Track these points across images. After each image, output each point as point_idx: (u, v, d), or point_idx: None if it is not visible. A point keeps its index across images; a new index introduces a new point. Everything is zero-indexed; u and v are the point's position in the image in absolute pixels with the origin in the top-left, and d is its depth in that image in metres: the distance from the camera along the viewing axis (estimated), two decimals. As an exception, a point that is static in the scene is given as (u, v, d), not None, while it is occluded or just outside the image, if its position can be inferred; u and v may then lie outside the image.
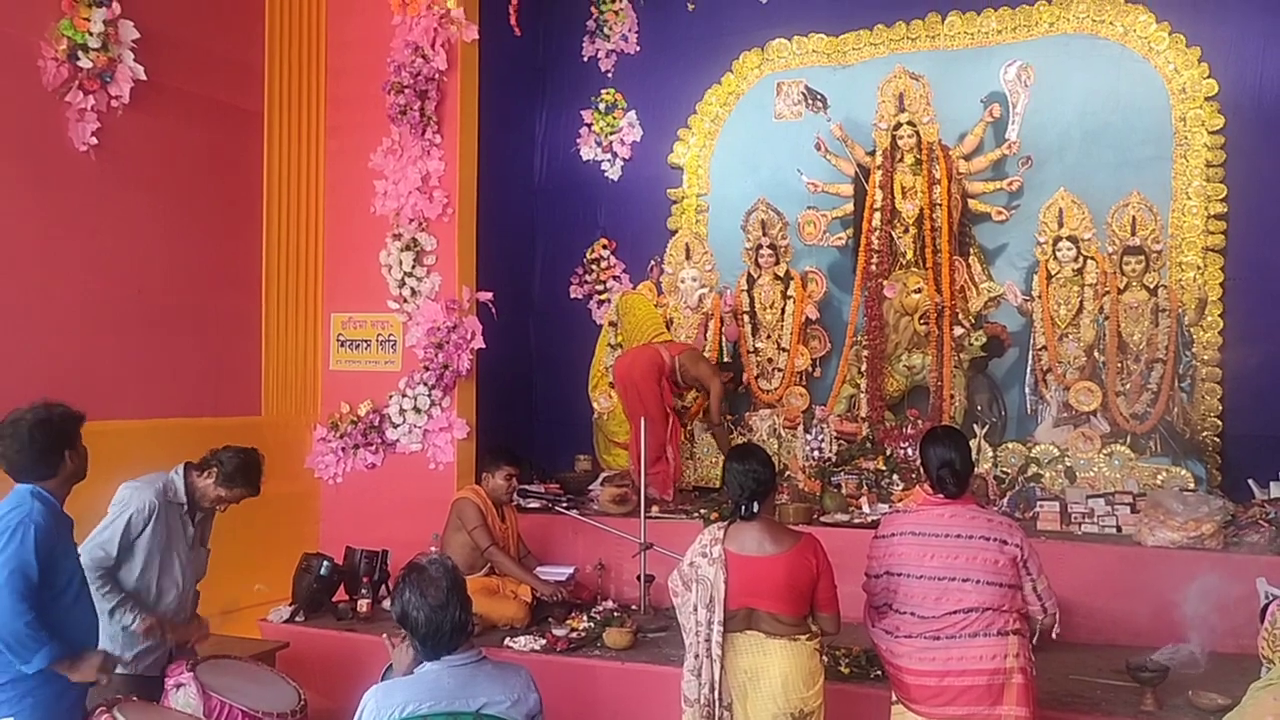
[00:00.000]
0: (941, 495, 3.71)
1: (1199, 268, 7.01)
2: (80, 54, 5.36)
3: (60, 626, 3.30)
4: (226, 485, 4.18)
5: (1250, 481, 6.19)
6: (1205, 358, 6.93)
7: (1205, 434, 6.86)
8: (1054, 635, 3.89)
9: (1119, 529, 5.89)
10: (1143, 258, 6.82)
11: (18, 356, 5.12)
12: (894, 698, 3.75)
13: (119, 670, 3.93)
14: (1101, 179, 7.19)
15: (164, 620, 4.05)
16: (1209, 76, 7.06)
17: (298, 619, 5.71)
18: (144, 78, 5.67)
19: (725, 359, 7.67)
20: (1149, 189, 6.94)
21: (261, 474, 4.28)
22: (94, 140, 5.49)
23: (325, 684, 4.80)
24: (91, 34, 5.38)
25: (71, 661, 3.32)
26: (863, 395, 7.38)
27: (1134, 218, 6.86)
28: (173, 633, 4.10)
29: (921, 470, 3.94)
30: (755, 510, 3.69)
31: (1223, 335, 6.97)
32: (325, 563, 5.87)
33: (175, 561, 4.13)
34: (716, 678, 3.59)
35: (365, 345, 6.89)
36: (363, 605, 5.73)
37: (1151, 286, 6.82)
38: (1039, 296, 7.11)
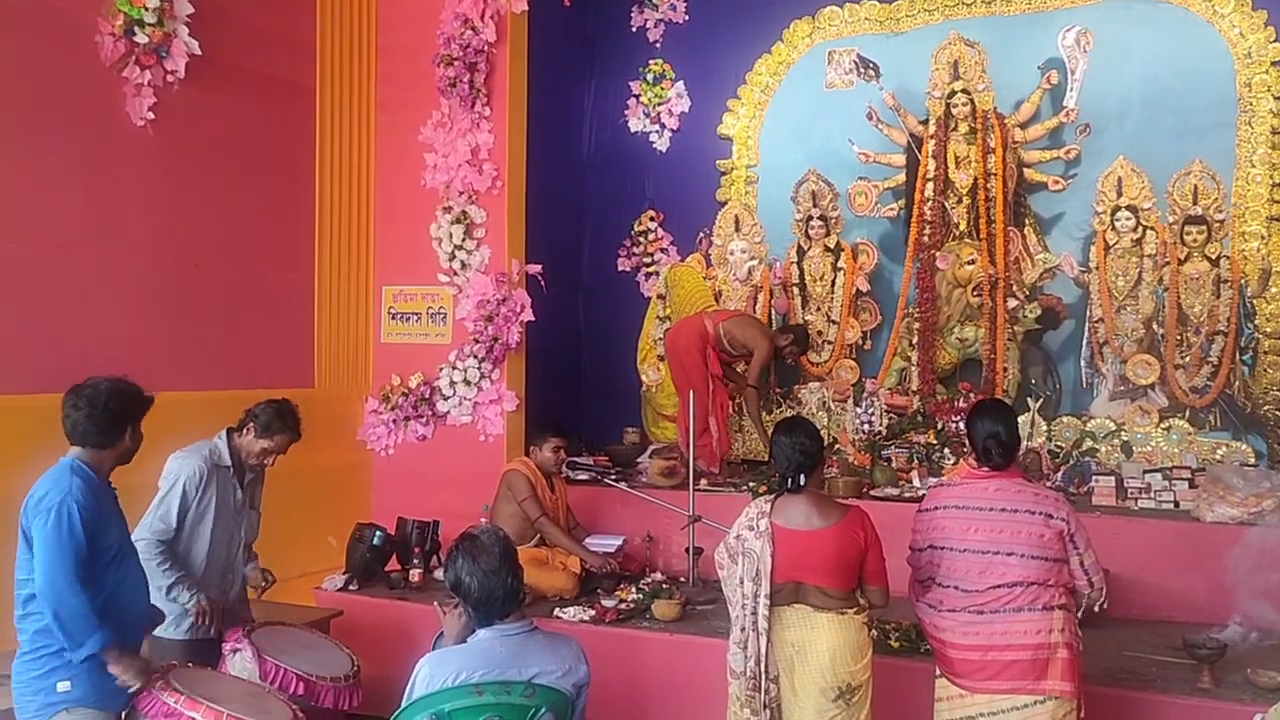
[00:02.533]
0: (987, 468, 3.68)
1: (1263, 237, 6.83)
2: (136, 29, 5.42)
3: (108, 596, 3.35)
4: (266, 434, 4.23)
5: (1313, 456, 6.07)
6: (1268, 330, 6.76)
7: (1267, 408, 6.69)
8: (1097, 609, 3.81)
9: (1176, 504, 5.80)
10: (1204, 228, 6.66)
11: (76, 330, 5.23)
12: (938, 671, 3.73)
13: (176, 635, 4.03)
14: (1162, 147, 7.01)
15: (216, 604, 4.12)
16: (1275, 40, 6.85)
17: (351, 588, 5.80)
18: (199, 53, 5.71)
19: (788, 325, 7.56)
20: (1211, 157, 6.77)
21: (298, 419, 4.32)
22: (150, 115, 5.56)
23: (378, 651, 4.87)
24: (147, 9, 5.43)
25: (119, 653, 3.32)
26: (914, 368, 7.31)
27: (1196, 186, 6.70)
28: (222, 618, 4.17)
29: (968, 443, 3.91)
30: (802, 483, 3.67)
31: (1287, 307, 6.80)
32: (378, 533, 5.94)
33: (226, 524, 4.22)
34: (762, 651, 3.58)
35: (416, 318, 6.95)
36: (415, 575, 5.80)
37: (1213, 257, 6.67)
38: (1096, 268, 6.97)
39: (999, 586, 3.52)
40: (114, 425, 3.45)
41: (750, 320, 7.20)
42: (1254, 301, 6.68)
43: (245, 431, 4.27)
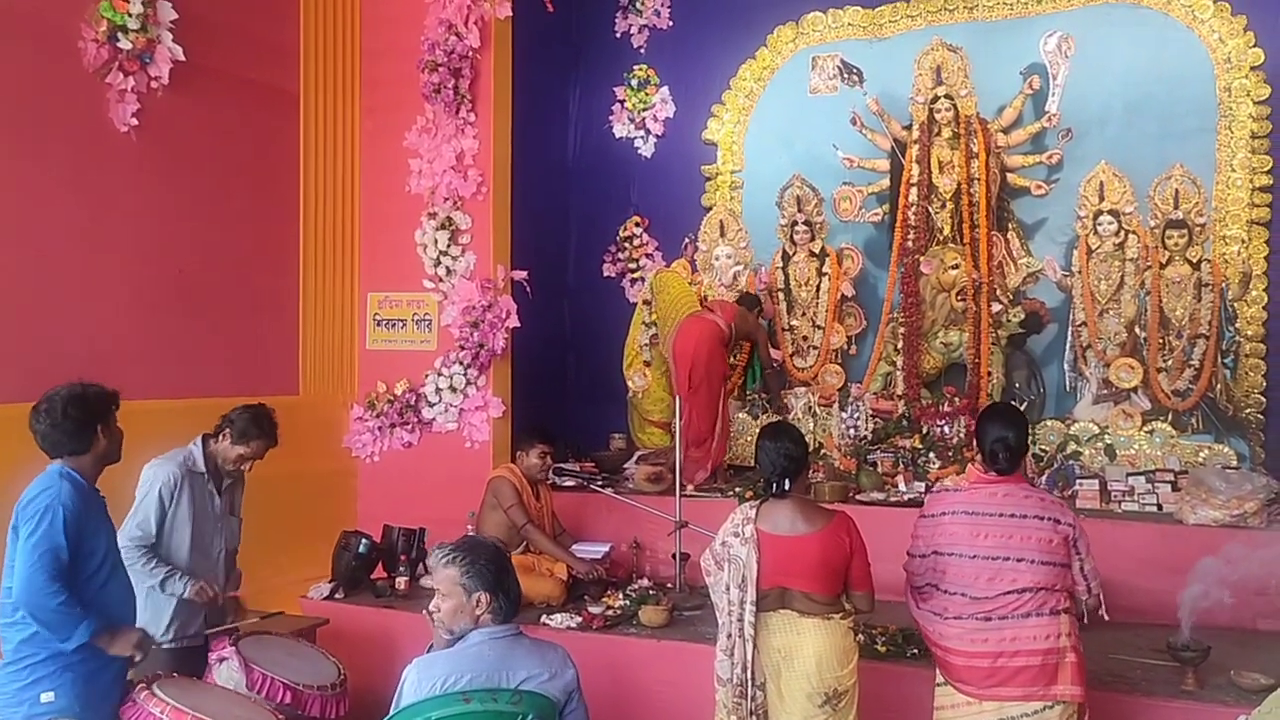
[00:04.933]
0: (994, 472, 3.68)
1: (1243, 241, 6.89)
2: (120, 35, 5.40)
3: (95, 605, 3.35)
4: (243, 440, 4.23)
5: (1294, 459, 6.11)
6: (1249, 333, 6.81)
7: (1248, 410, 6.75)
8: (1102, 615, 3.82)
9: (1160, 507, 5.83)
10: (1185, 231, 6.71)
11: (59, 336, 5.19)
12: (940, 679, 3.69)
13: (163, 644, 4.01)
14: (1143, 151, 7.06)
15: (213, 580, 4.13)
16: (1255, 45, 6.90)
17: (337, 596, 5.77)
18: (183, 59, 5.69)
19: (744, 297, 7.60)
20: (1192, 161, 6.82)
21: (275, 424, 4.33)
22: (134, 121, 5.53)
23: (364, 660, 4.86)
24: (131, 15, 5.41)
25: (110, 636, 3.37)
26: (899, 373, 7.32)
27: (1177, 191, 6.74)
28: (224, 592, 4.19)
29: (976, 445, 3.91)
30: (788, 488, 3.68)
31: (1267, 310, 6.84)
32: (364, 541, 5.92)
33: (206, 531, 4.22)
34: (749, 657, 3.59)
35: (401, 324, 6.93)
36: (401, 583, 5.78)
37: (1194, 261, 6.71)
38: (1079, 272, 7.01)
39: (1009, 593, 3.50)
40: (81, 430, 3.44)
41: (739, 311, 7.19)
42: (1235, 305, 6.73)
43: (221, 438, 4.26)
